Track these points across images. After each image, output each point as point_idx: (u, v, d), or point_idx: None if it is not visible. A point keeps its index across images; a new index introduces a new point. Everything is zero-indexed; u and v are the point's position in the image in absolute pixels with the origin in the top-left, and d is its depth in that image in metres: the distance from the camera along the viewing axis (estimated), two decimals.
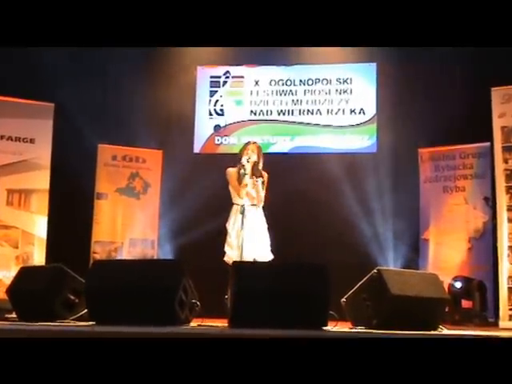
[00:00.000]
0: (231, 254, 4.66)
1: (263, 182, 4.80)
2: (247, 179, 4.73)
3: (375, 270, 4.03)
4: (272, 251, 4.78)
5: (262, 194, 4.81)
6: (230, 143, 7.39)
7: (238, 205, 4.77)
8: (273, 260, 4.72)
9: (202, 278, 4.37)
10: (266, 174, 4.92)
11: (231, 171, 4.85)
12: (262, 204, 4.83)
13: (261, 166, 4.87)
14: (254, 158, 4.82)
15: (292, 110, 7.41)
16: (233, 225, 4.73)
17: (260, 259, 4.62)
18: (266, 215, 4.89)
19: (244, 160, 4.72)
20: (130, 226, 7.05)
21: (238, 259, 4.50)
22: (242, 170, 4.71)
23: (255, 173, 4.80)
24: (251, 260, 4.56)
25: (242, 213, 4.64)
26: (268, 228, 4.84)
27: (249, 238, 4.60)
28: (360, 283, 4.15)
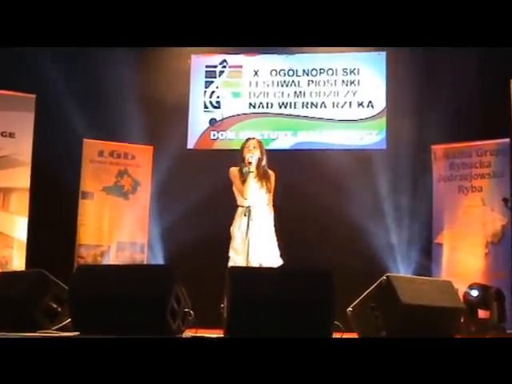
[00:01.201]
0: (237, 260, 4.66)
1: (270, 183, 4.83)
2: (252, 179, 4.73)
3: (384, 277, 4.03)
4: (281, 256, 4.79)
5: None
6: (227, 138, 7.39)
7: (243, 207, 4.78)
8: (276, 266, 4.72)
9: (195, 285, 4.37)
10: (272, 173, 4.94)
11: (234, 170, 4.85)
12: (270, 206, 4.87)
13: (264, 162, 4.89)
14: (258, 154, 4.84)
15: (294, 103, 7.41)
16: (238, 228, 4.74)
17: (267, 265, 4.62)
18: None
19: (249, 157, 4.71)
20: (118, 228, 7.04)
21: (243, 265, 4.52)
22: (246, 168, 4.71)
23: (260, 171, 4.82)
24: (257, 266, 4.57)
25: (248, 215, 4.65)
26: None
27: (255, 243, 4.61)
28: (368, 291, 4.15)
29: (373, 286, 4.11)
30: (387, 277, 4.03)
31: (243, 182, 4.74)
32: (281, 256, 4.80)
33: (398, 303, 3.82)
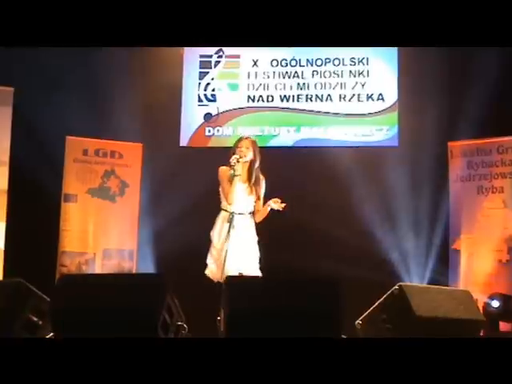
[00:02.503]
0: (213, 268, 4.73)
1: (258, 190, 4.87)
2: (238, 182, 4.76)
3: (396, 287, 4.05)
4: (261, 268, 4.82)
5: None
6: (224, 135, 7.40)
7: (226, 211, 4.81)
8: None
9: (189, 296, 4.38)
10: (263, 178, 4.96)
11: (224, 170, 4.88)
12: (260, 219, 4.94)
13: (257, 165, 4.91)
14: (250, 155, 4.86)
15: (297, 96, 7.42)
16: (218, 235, 4.79)
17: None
18: (260, 225, 4.92)
19: (233, 159, 4.74)
20: (104, 233, 7.05)
21: (219, 274, 4.56)
22: (232, 171, 4.73)
23: (251, 176, 4.85)
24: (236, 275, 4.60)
25: (230, 222, 4.69)
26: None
27: (234, 251, 4.66)
28: (378, 302, 4.16)
29: (384, 297, 4.12)
30: (399, 286, 4.04)
31: (230, 185, 4.76)
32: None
33: (412, 315, 3.83)
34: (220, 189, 4.92)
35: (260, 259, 4.88)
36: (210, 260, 4.83)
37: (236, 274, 4.59)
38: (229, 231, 4.68)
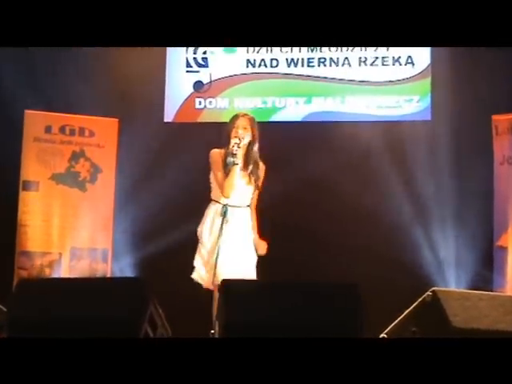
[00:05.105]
0: (201, 272, 4.77)
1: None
2: (237, 172, 4.78)
3: (429, 292, 4.05)
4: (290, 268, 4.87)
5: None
6: (218, 107, 7.39)
7: (218, 203, 4.83)
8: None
9: (176, 305, 4.38)
10: (263, 166, 4.98)
11: (217, 154, 4.89)
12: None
13: (256, 148, 4.93)
14: (248, 138, 4.88)
15: (308, 60, 7.41)
16: (209, 231, 4.83)
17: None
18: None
19: (234, 145, 4.75)
20: (72, 229, 7.06)
21: (209, 279, 4.60)
22: (230, 159, 4.74)
23: (248, 161, 4.87)
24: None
25: (224, 215, 4.71)
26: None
27: (228, 251, 4.68)
28: (408, 311, 4.17)
29: (414, 305, 4.13)
30: (433, 292, 4.05)
31: (226, 174, 4.77)
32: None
33: (448, 327, 3.84)
34: (211, 176, 4.92)
35: (258, 261, 4.91)
36: (197, 262, 4.88)
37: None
38: (221, 227, 4.70)
